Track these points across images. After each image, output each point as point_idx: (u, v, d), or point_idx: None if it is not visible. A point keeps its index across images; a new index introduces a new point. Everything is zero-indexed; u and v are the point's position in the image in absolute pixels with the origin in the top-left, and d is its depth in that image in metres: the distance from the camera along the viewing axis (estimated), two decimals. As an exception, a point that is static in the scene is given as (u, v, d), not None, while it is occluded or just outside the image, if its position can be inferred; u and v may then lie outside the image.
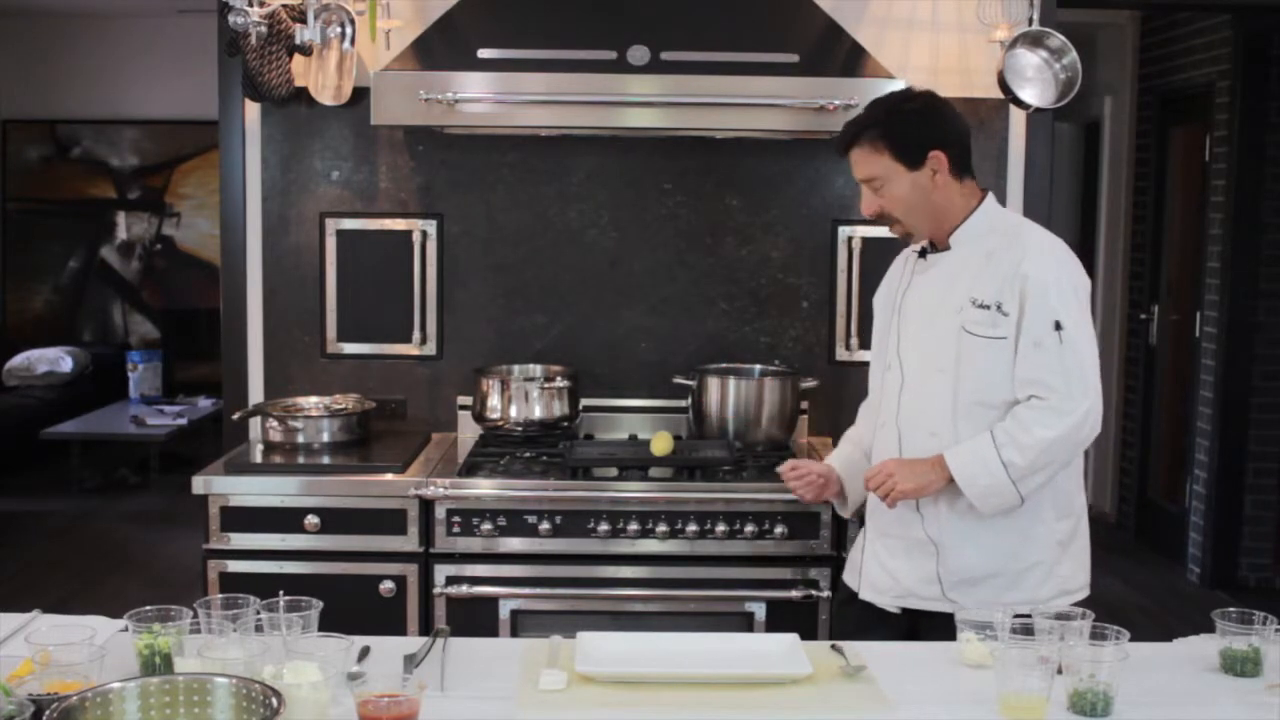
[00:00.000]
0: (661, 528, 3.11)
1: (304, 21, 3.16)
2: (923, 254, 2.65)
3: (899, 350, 2.63)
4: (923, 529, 2.57)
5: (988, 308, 2.49)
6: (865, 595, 2.65)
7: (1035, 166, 3.69)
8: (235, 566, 3.13)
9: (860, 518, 2.79)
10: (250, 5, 2.97)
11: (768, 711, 1.91)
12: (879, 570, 2.63)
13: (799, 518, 3.11)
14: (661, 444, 3.27)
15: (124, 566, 6.14)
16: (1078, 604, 2.48)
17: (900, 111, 2.57)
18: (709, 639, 2.22)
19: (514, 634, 3.10)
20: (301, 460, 3.29)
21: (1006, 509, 2.50)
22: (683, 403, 3.57)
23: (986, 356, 2.50)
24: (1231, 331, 5.83)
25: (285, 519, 3.12)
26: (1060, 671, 1.91)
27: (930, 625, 2.54)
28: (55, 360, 8.51)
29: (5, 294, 9.20)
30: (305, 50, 3.33)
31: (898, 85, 3.15)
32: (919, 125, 2.56)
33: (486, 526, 3.11)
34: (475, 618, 3.09)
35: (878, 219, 2.61)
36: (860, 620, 2.64)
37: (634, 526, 3.10)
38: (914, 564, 2.58)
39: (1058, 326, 2.46)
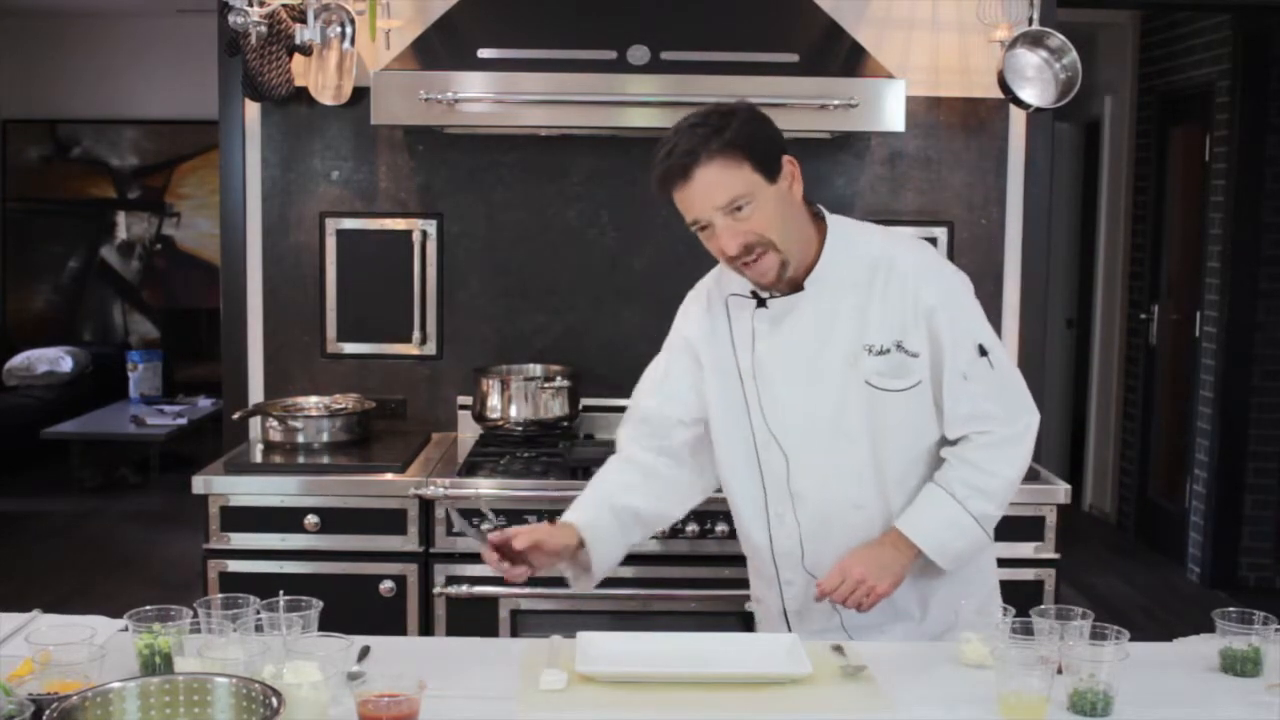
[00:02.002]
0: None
1: (304, 21, 3.16)
2: (761, 302, 2.26)
3: (769, 425, 2.26)
4: (842, 626, 2.31)
5: (887, 351, 2.20)
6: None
7: (1035, 166, 3.69)
8: (235, 566, 3.13)
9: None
10: (250, 5, 2.97)
11: (768, 711, 1.91)
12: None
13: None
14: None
15: (124, 566, 6.14)
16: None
17: (738, 115, 2.15)
18: (709, 639, 2.21)
19: (514, 634, 3.10)
20: (301, 460, 3.29)
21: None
22: (683, 403, 3.56)
23: (905, 411, 2.22)
24: (1231, 331, 5.83)
25: (285, 519, 3.12)
26: (1060, 671, 1.91)
27: None
28: (55, 360, 8.51)
29: (5, 294, 9.20)
30: (305, 50, 3.34)
31: (898, 85, 3.15)
32: (766, 128, 2.18)
33: (486, 526, 3.10)
34: (475, 618, 3.09)
35: (741, 255, 2.15)
36: None
37: (634, 526, 3.09)
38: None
39: (982, 351, 2.22)
